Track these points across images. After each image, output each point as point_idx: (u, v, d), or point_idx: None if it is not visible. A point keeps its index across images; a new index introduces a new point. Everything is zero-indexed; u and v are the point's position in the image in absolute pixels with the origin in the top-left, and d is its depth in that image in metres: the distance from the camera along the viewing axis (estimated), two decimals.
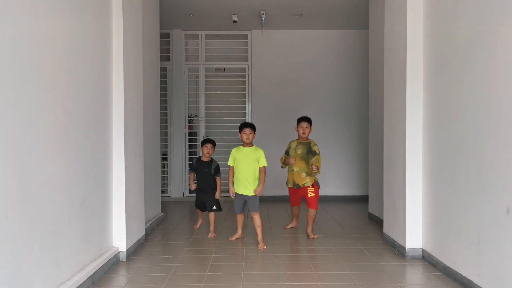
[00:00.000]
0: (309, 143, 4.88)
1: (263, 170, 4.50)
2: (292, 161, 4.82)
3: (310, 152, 4.83)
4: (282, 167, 5.07)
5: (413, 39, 3.95)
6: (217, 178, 4.98)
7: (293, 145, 4.95)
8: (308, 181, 4.80)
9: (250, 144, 4.54)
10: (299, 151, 4.85)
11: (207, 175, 4.96)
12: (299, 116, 5.03)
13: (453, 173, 3.37)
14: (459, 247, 3.27)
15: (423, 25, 3.92)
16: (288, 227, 5.25)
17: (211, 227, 4.90)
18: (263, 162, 4.49)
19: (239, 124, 4.74)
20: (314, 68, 7.71)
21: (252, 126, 4.55)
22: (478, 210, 2.99)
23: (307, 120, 4.91)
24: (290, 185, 4.96)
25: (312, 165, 4.69)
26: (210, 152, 4.98)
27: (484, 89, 2.95)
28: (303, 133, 4.85)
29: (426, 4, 3.88)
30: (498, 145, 2.76)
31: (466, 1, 3.20)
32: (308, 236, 4.79)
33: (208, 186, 4.97)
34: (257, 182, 4.49)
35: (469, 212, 3.12)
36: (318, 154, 4.84)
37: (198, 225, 5.26)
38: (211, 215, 4.95)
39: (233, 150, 4.59)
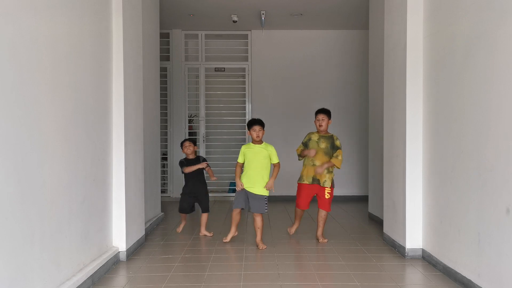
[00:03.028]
0: (332, 137, 4.57)
1: (277, 166, 4.39)
2: (312, 152, 4.45)
3: (333, 147, 4.53)
4: (299, 159, 4.72)
5: (413, 39, 3.95)
6: (208, 169, 4.87)
7: (314, 137, 4.58)
8: (327, 180, 4.53)
9: (260, 142, 4.41)
10: (323, 145, 4.52)
11: (197, 172, 4.85)
12: (317, 109, 4.71)
13: (453, 172, 3.37)
14: (459, 247, 3.27)
15: (423, 25, 3.92)
16: (293, 231, 4.87)
17: (203, 228, 4.88)
18: (276, 159, 4.38)
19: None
20: (314, 68, 7.71)
21: (261, 123, 4.39)
22: (478, 210, 2.99)
23: (324, 111, 4.57)
24: (306, 181, 4.57)
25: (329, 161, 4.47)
26: (191, 149, 4.87)
27: (484, 89, 2.95)
28: (320, 125, 4.53)
29: (426, 4, 3.88)
30: (498, 145, 2.76)
31: (466, 1, 3.20)
32: (317, 239, 4.57)
33: (200, 184, 4.88)
34: (268, 178, 4.38)
35: (469, 212, 3.12)
36: (340, 149, 4.53)
37: (181, 228, 5.02)
38: (204, 215, 4.90)
39: (243, 147, 4.44)
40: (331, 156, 4.54)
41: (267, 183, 4.34)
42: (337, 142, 4.57)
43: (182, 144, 4.97)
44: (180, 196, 5.01)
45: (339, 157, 4.51)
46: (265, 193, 4.40)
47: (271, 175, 4.43)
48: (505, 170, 2.67)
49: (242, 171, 4.44)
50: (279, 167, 4.42)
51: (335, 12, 6.68)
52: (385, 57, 4.62)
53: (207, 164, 4.88)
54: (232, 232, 4.56)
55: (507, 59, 2.68)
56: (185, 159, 4.93)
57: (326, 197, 4.55)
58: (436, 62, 3.71)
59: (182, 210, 4.96)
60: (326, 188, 4.55)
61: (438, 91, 3.65)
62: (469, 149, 3.12)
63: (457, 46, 3.34)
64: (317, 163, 4.52)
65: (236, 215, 4.52)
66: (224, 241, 4.54)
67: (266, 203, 4.41)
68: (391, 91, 4.41)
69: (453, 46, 3.39)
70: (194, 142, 5.01)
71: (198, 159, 4.90)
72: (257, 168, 4.34)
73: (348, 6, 6.41)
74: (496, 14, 2.82)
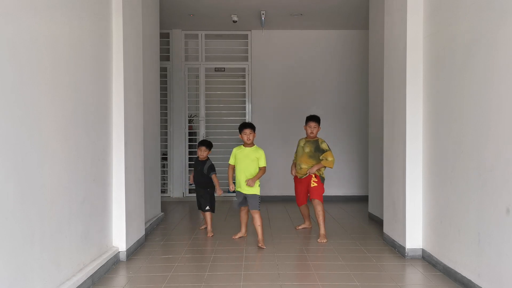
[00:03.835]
0: (317, 141, 4.82)
1: (262, 169, 4.49)
2: (293, 172, 4.95)
3: (318, 150, 4.77)
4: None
5: (413, 39, 3.95)
6: (213, 176, 4.96)
7: (302, 143, 4.94)
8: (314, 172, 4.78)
9: (251, 144, 4.53)
10: (307, 149, 4.82)
11: (199, 174, 5.00)
12: (308, 115, 5.00)
13: (453, 172, 3.37)
14: (459, 247, 3.27)
15: (423, 25, 3.92)
16: (301, 227, 5.20)
17: (208, 227, 4.93)
18: (263, 163, 4.49)
19: (239, 124, 4.75)
20: (314, 68, 7.71)
21: (251, 126, 4.54)
22: (478, 210, 2.99)
23: (315, 119, 4.87)
24: (298, 175, 4.90)
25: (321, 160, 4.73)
26: (204, 154, 5.01)
27: (484, 89, 2.95)
28: (311, 132, 4.82)
29: (426, 4, 3.88)
30: (498, 145, 2.76)
31: (466, 1, 3.20)
32: (319, 238, 4.59)
33: (200, 185, 5.01)
34: (257, 181, 4.49)
35: (469, 212, 3.12)
36: (329, 150, 4.76)
37: (203, 227, 5.20)
38: (207, 214, 4.95)
39: (234, 149, 4.60)
40: (316, 159, 4.78)
41: (247, 180, 4.41)
42: (323, 145, 4.80)
43: (198, 145, 5.12)
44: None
45: (329, 159, 4.73)
46: (257, 192, 4.49)
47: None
48: (505, 170, 2.67)
49: (234, 173, 4.60)
50: (264, 171, 4.51)
51: (335, 12, 6.68)
52: (385, 57, 4.62)
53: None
54: (242, 233, 4.75)
55: (507, 59, 2.68)
56: (196, 158, 5.15)
57: (312, 185, 4.74)
58: (436, 62, 3.71)
59: (198, 207, 5.12)
60: (312, 177, 4.75)
61: (438, 91, 3.65)
62: (469, 149, 3.12)
63: (457, 46, 3.34)
64: (303, 166, 4.81)
65: (243, 214, 4.71)
66: (232, 238, 4.71)
67: (259, 201, 4.52)
68: (391, 91, 4.41)
69: (453, 46, 3.39)
70: (210, 146, 5.10)
71: (205, 162, 5.02)
72: (245, 171, 4.48)
73: (348, 6, 6.41)
74: (496, 14, 2.82)
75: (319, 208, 4.68)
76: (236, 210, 4.78)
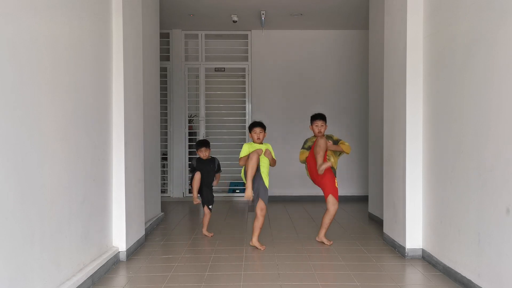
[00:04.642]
0: (330, 135, 4.59)
1: (274, 161, 4.47)
2: (328, 164, 4.35)
3: (336, 143, 4.56)
4: (302, 162, 4.67)
5: (413, 39, 3.95)
6: (218, 175, 4.99)
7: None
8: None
9: (260, 143, 4.47)
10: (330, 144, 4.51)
11: (210, 173, 4.92)
12: (312, 114, 4.67)
13: (453, 172, 3.37)
14: (459, 247, 3.27)
15: (423, 25, 3.92)
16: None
17: (204, 228, 4.87)
18: (273, 156, 4.47)
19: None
20: (314, 68, 7.71)
21: (262, 125, 4.46)
22: (478, 210, 2.99)
23: (322, 117, 4.57)
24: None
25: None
26: (207, 154, 4.92)
27: (484, 89, 2.95)
28: (318, 131, 4.51)
29: (426, 4, 3.88)
30: (498, 145, 2.76)
31: (466, 1, 3.20)
32: (322, 242, 4.47)
33: (209, 184, 4.94)
34: (267, 177, 4.44)
35: (469, 212, 3.12)
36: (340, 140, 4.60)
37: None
38: (206, 216, 4.88)
39: (246, 145, 4.45)
40: (337, 154, 4.64)
41: (263, 150, 4.36)
42: (335, 138, 4.63)
43: (198, 147, 4.93)
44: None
45: (346, 143, 4.55)
46: (267, 183, 4.41)
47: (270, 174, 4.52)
48: (505, 170, 2.67)
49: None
50: (275, 163, 4.49)
51: (335, 12, 6.69)
52: (385, 57, 4.62)
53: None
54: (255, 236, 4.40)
55: (507, 59, 2.68)
56: (198, 159, 4.96)
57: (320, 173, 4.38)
58: (436, 62, 3.71)
59: (207, 204, 4.95)
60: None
61: (438, 91, 3.65)
62: (469, 149, 3.12)
63: (457, 46, 3.34)
64: (332, 159, 4.54)
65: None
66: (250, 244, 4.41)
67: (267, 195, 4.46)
68: (391, 91, 4.41)
69: (453, 46, 3.39)
70: (209, 144, 5.02)
71: (212, 160, 4.97)
72: (261, 167, 4.38)
73: (348, 6, 6.42)
74: (496, 14, 2.82)
75: (333, 211, 4.42)
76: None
